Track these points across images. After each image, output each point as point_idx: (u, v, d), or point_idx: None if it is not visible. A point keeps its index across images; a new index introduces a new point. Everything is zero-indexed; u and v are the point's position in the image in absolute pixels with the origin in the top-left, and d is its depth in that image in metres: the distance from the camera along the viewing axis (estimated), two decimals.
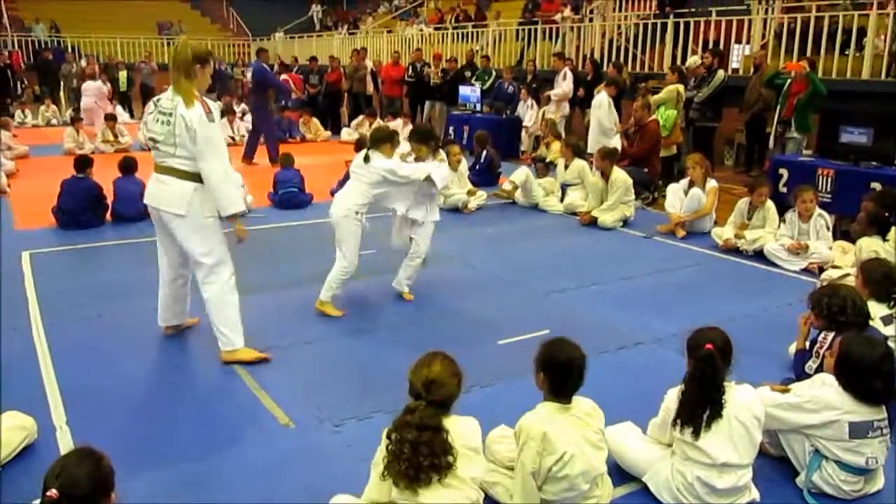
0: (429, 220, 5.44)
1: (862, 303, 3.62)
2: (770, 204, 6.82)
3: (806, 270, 6.20)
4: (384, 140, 5.17)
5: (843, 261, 5.98)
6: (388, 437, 2.56)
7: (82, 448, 2.30)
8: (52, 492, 2.10)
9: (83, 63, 19.81)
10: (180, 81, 4.04)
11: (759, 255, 6.58)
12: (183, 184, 4.11)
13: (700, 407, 2.87)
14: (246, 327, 4.84)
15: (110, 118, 13.65)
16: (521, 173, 8.71)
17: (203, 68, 4.12)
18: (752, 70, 10.51)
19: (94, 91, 15.65)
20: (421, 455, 2.47)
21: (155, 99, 4.21)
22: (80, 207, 7.43)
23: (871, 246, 5.45)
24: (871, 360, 2.98)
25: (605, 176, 7.85)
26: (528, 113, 12.66)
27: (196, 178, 4.09)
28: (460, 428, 2.61)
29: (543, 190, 8.79)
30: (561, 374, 2.82)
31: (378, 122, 14.52)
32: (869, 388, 2.97)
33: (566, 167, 8.66)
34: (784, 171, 7.77)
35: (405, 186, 5.19)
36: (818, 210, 6.38)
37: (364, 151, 5.17)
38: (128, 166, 7.76)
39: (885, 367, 2.97)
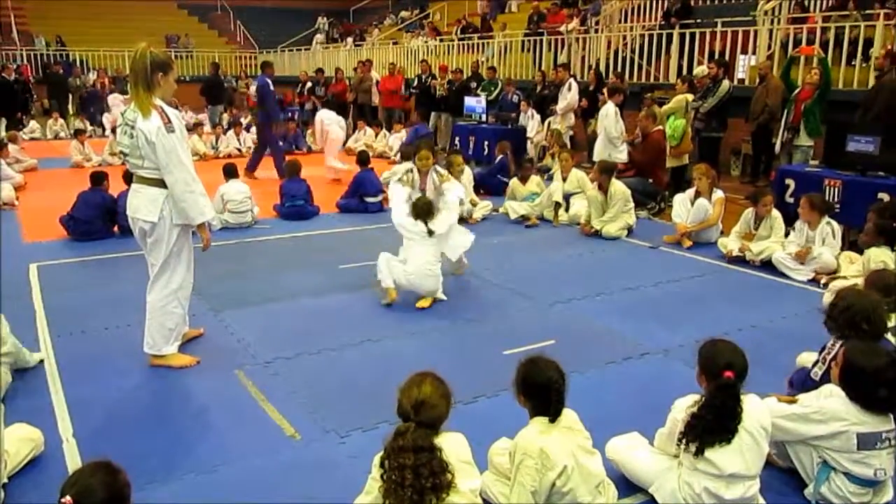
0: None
1: (882, 313, 3.56)
2: (776, 213, 6.81)
3: (813, 281, 6.18)
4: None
5: (849, 270, 5.95)
6: (382, 464, 2.54)
7: (99, 461, 2.32)
8: (67, 498, 2.13)
9: (92, 76, 19.94)
10: (138, 92, 3.98)
11: (766, 266, 6.56)
12: (154, 190, 4.11)
13: (711, 434, 2.84)
14: (252, 338, 4.87)
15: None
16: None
17: (166, 76, 4.05)
18: (757, 80, 10.50)
19: (120, 102, 15.78)
20: (423, 478, 2.45)
21: (122, 110, 4.18)
22: (95, 217, 7.57)
23: (879, 256, 5.43)
24: (876, 369, 2.96)
25: (604, 189, 7.85)
26: (530, 123, 12.71)
27: (166, 185, 4.10)
28: (450, 444, 2.60)
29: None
30: (541, 396, 2.79)
31: (383, 133, 14.65)
32: (874, 396, 2.95)
33: (564, 179, 8.68)
34: (791, 182, 7.74)
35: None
36: (826, 218, 6.35)
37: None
38: (131, 177, 7.73)
39: (889, 375, 2.95)
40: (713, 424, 2.84)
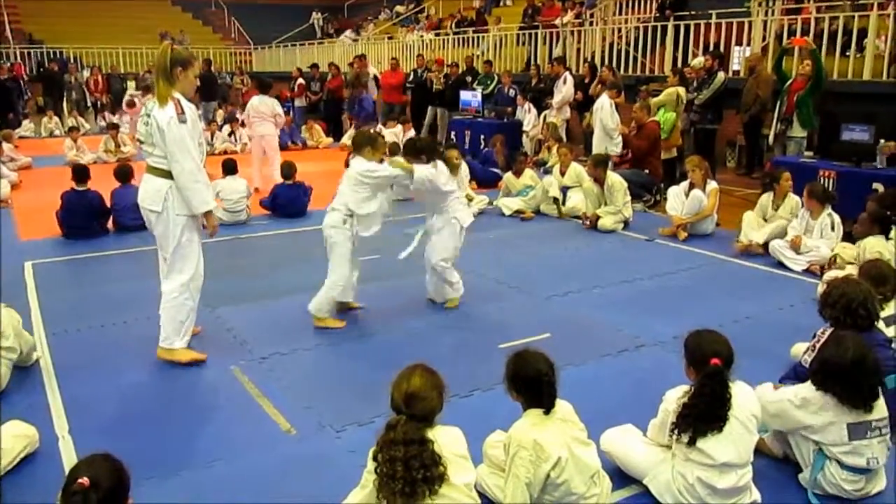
0: (443, 229, 5.33)
1: (875, 301, 3.56)
2: (795, 196, 6.81)
3: (808, 271, 6.18)
4: (363, 144, 5.06)
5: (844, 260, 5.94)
6: (375, 458, 2.54)
7: (101, 453, 2.35)
8: (84, 479, 2.16)
9: (86, 74, 19.86)
10: (159, 84, 4.14)
11: (762, 256, 6.57)
12: (160, 181, 4.20)
13: (705, 423, 2.85)
14: (248, 334, 4.86)
15: (113, 127, 13.70)
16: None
17: (185, 71, 4.19)
18: (748, 72, 10.51)
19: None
20: (414, 470, 2.45)
21: (147, 100, 4.34)
22: (84, 220, 7.44)
23: (874, 246, 5.43)
24: (852, 362, 2.98)
25: (600, 182, 7.86)
26: (527, 117, 12.70)
27: (172, 175, 4.17)
28: (445, 437, 2.60)
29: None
30: (532, 389, 2.80)
31: (378, 129, 14.57)
32: (853, 390, 2.97)
33: (563, 173, 8.67)
34: None
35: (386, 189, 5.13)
36: (828, 210, 6.34)
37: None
38: (124, 174, 7.63)
39: (865, 367, 2.98)
40: (704, 413, 2.85)
